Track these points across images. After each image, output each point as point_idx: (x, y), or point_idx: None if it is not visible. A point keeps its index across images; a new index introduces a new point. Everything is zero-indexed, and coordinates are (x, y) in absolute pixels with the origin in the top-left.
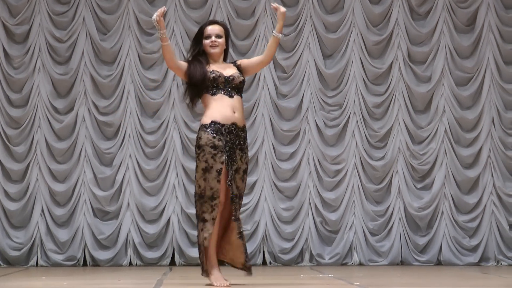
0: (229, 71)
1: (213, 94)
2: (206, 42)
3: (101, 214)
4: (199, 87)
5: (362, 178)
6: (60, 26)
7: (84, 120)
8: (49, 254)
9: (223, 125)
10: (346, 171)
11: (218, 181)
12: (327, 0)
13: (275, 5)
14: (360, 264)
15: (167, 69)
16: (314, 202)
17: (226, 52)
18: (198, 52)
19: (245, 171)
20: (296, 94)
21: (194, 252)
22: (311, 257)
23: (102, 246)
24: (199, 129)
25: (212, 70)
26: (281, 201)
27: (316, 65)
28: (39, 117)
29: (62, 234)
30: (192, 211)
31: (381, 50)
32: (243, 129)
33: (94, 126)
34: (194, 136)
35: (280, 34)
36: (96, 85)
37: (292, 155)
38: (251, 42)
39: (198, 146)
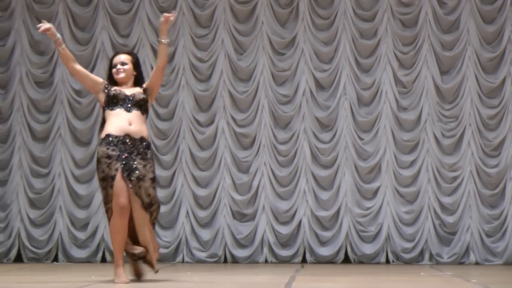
0: (132, 91)
1: (112, 109)
2: (113, 71)
3: (239, 216)
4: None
5: (478, 184)
6: (202, 47)
7: (224, 131)
8: (193, 252)
9: (116, 137)
10: (463, 178)
11: (112, 186)
12: (443, 21)
13: (170, 15)
14: (477, 263)
15: (298, 84)
16: (433, 206)
17: (138, 78)
18: (111, 83)
19: (152, 180)
20: (416, 107)
21: (323, 251)
22: (431, 256)
23: (240, 245)
24: (97, 144)
25: (115, 89)
26: (402, 205)
27: (433, 80)
28: (184, 129)
29: (205, 234)
30: (321, 213)
31: (494, 66)
32: (141, 141)
33: (232, 137)
34: (322, 146)
35: (165, 40)
36: (234, 100)
37: (412, 163)
38: (374, 60)
39: (97, 161)
